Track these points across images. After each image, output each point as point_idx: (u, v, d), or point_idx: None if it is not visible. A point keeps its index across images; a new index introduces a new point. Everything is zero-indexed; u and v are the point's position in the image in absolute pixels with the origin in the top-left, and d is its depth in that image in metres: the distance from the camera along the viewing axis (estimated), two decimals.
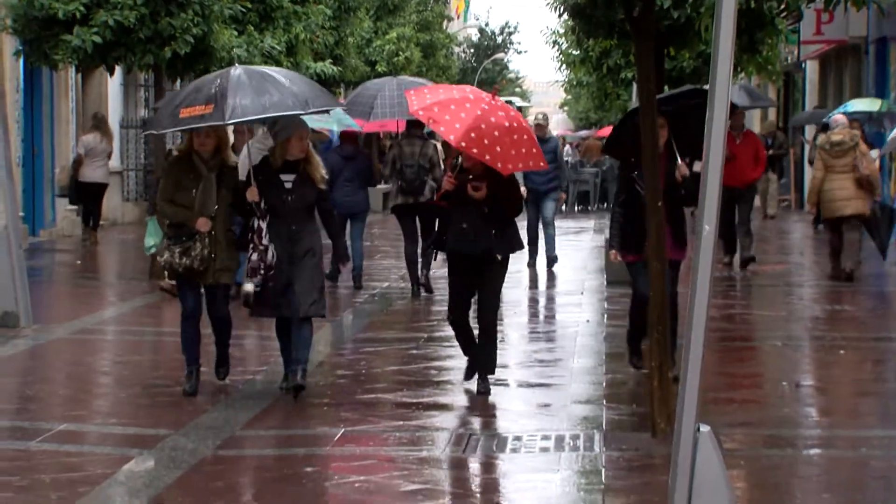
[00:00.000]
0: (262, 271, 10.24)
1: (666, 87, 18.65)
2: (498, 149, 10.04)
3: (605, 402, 10.29)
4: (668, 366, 8.97)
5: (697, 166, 26.88)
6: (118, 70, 22.10)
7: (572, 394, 10.59)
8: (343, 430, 9.34)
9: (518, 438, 9.13)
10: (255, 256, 10.23)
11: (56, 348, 13.21)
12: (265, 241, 10.23)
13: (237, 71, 10.23)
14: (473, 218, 10.36)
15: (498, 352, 10.76)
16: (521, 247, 10.84)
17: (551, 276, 18.98)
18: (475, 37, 75.96)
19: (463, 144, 10.00)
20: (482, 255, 10.43)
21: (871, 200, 17.41)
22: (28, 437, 9.17)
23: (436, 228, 11.05)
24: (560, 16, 13.88)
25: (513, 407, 10.50)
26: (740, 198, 19.18)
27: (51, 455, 8.73)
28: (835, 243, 17.63)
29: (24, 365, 12.30)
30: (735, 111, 18.47)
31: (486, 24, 75.86)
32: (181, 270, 10.40)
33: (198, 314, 10.59)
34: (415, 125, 16.43)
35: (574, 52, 23.22)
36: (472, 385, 10.63)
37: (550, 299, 17.58)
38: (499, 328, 11.17)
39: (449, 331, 13.95)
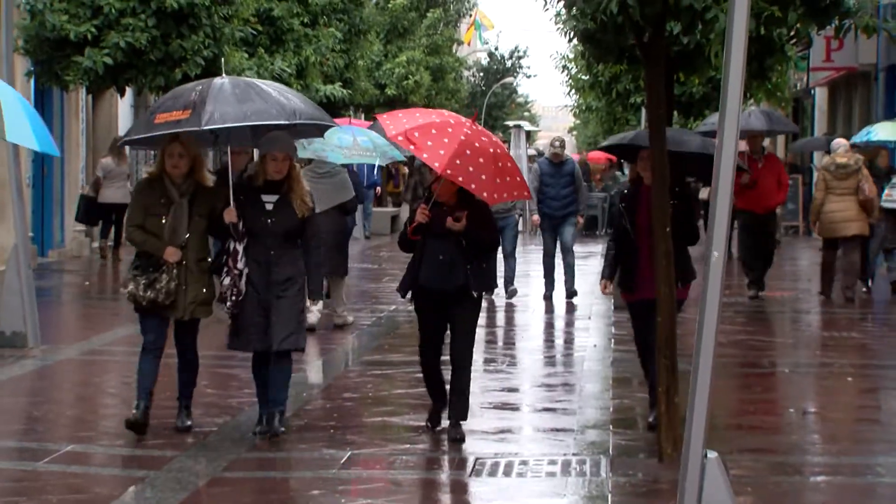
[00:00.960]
0: (232, 297, 9.53)
1: (675, 113, 18.71)
2: (483, 177, 9.36)
3: (611, 427, 10.27)
4: (676, 391, 8.96)
5: (704, 192, 26.76)
6: (129, 91, 22.19)
7: (579, 418, 10.58)
8: (350, 452, 9.34)
9: (525, 463, 9.12)
10: (227, 280, 9.54)
11: (64, 369, 13.22)
12: (240, 266, 9.55)
13: (222, 80, 9.62)
14: (450, 251, 9.64)
15: (501, 377, 10.74)
16: (495, 285, 10.41)
17: (557, 301, 18.96)
18: (485, 60, 76.11)
19: (448, 172, 9.29)
20: (456, 292, 9.68)
21: (875, 221, 18.07)
22: (35, 458, 9.17)
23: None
24: (570, 41, 13.87)
25: (519, 431, 10.49)
26: (763, 224, 18.62)
27: (58, 476, 8.73)
28: (829, 262, 18.23)
29: (31, 385, 12.31)
30: (754, 135, 18.42)
31: (496, 48, 76.03)
32: (145, 304, 9.66)
33: (159, 349, 9.84)
34: None
35: (584, 77, 23.27)
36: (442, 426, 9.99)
37: (558, 324, 17.56)
38: (508, 352, 11.08)
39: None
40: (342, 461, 9.13)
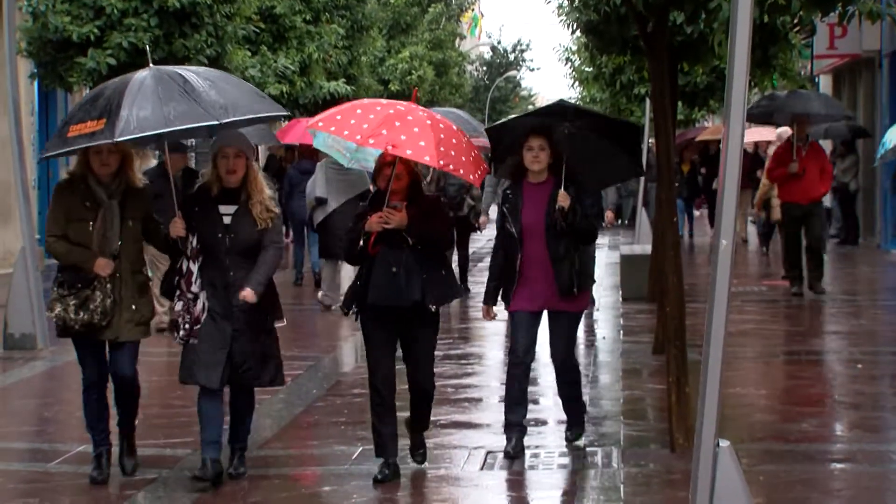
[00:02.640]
0: (186, 325, 8.30)
1: (680, 103, 18.68)
2: (463, 158, 8.32)
3: (622, 418, 10.27)
4: (686, 381, 8.96)
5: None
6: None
7: (590, 410, 10.57)
8: (361, 448, 9.34)
9: (536, 455, 9.12)
10: (179, 306, 8.31)
11: (73, 370, 13.15)
12: (195, 289, 8.29)
13: (143, 74, 8.22)
14: (403, 262, 8.39)
15: (503, 377, 10.67)
16: (458, 293, 8.84)
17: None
18: (487, 55, 76.10)
19: (442, 163, 8.13)
20: (411, 309, 8.46)
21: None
22: (47, 459, 9.18)
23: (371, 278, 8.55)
24: (573, 33, 13.87)
25: (530, 424, 10.49)
26: (807, 216, 17.47)
27: (69, 477, 8.74)
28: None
29: (41, 386, 12.32)
30: (801, 120, 17.43)
31: (499, 42, 76.04)
32: (78, 327, 8.29)
33: (104, 381, 8.61)
34: None
35: (587, 69, 23.28)
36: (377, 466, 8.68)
37: None
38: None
39: (467, 348, 13.97)
40: (353, 457, 9.13)
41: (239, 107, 8.14)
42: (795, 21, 12.37)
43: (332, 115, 8.41)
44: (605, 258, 23.98)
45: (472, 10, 59.89)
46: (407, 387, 8.82)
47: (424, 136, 8.16)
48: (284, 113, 9.02)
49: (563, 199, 8.81)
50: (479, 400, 11.39)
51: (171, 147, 15.52)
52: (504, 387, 9.36)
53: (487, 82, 71.90)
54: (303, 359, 12.98)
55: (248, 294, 8.21)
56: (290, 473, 9.03)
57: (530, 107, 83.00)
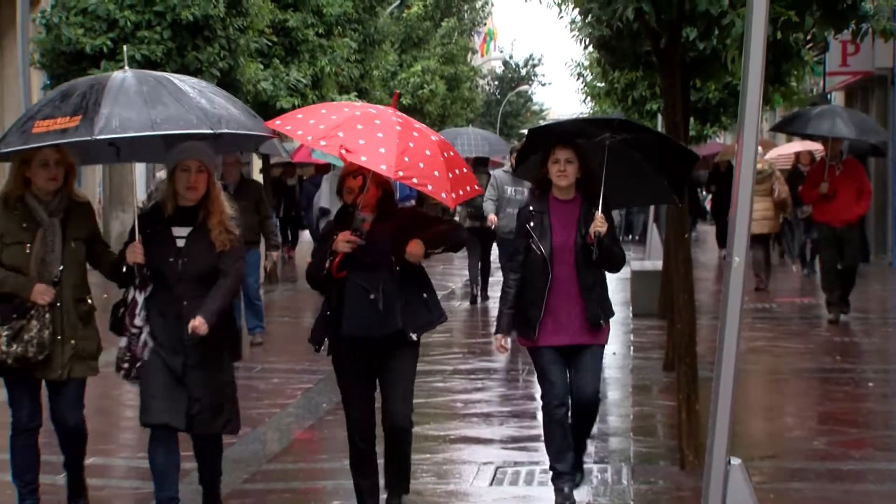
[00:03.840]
0: (125, 364, 7.37)
1: (692, 119, 18.65)
2: (436, 173, 7.23)
3: (632, 434, 10.25)
4: (696, 398, 8.93)
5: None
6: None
7: (600, 426, 10.54)
8: None
9: (546, 471, 9.09)
10: (122, 342, 7.35)
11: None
12: (138, 322, 7.33)
13: (124, 74, 7.29)
14: (382, 286, 7.46)
15: (521, 385, 10.64)
16: (441, 318, 7.77)
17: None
18: (499, 69, 76.15)
19: (401, 174, 7.11)
20: (391, 339, 7.55)
21: (782, 219, 20.47)
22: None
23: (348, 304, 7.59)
24: (585, 48, 13.89)
25: (540, 439, 10.45)
26: (841, 240, 16.69)
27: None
28: (758, 258, 20.08)
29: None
30: (835, 141, 16.86)
31: (511, 57, 76.11)
32: (11, 362, 7.34)
33: (37, 426, 7.69)
34: (480, 161, 20.66)
35: (599, 84, 23.23)
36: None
37: None
38: (528, 359, 8.77)
39: (476, 362, 13.94)
40: None
41: (233, 119, 7.26)
42: (808, 38, 12.35)
43: (293, 114, 7.68)
44: (615, 274, 23.93)
45: (486, 24, 59.92)
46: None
47: (387, 142, 7.15)
48: (271, 135, 7.98)
49: (601, 224, 7.87)
50: (489, 415, 11.37)
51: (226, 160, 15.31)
52: (544, 432, 8.29)
53: (499, 97, 71.95)
54: (312, 372, 12.97)
55: (198, 324, 7.17)
56: (300, 488, 9.02)
57: (541, 121, 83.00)
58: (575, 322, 8.01)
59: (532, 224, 8.04)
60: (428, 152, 7.29)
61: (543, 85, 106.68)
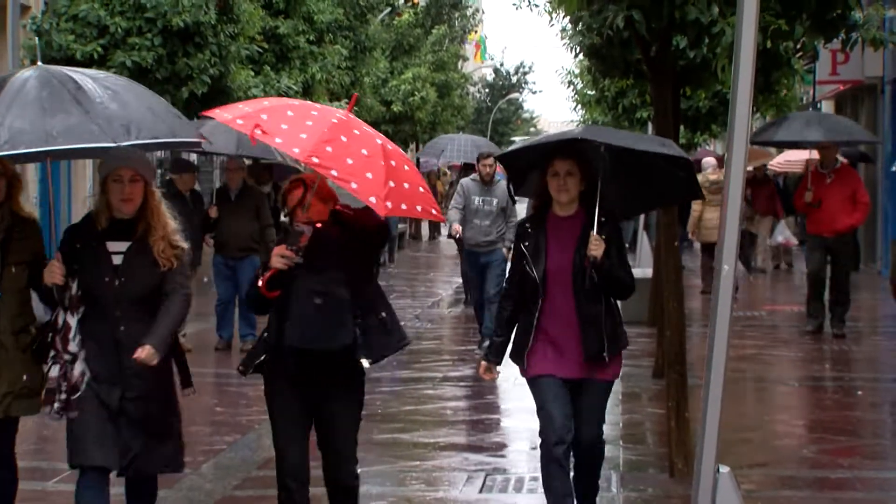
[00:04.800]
0: (62, 395, 6.52)
1: (682, 127, 18.69)
2: (369, 174, 6.28)
3: (621, 442, 10.26)
4: (685, 406, 8.94)
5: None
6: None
7: None
8: (360, 469, 9.31)
9: (535, 479, 9.09)
10: (54, 371, 6.53)
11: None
12: (73, 348, 6.49)
13: (27, 73, 6.46)
14: (330, 290, 6.62)
15: (512, 394, 10.63)
16: (402, 342, 6.90)
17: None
18: (490, 76, 76.22)
19: (315, 160, 6.21)
20: (338, 357, 6.65)
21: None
22: (44, 478, 9.16)
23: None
24: (575, 56, 13.90)
25: (529, 447, 10.47)
26: (833, 251, 16.07)
27: (67, 496, 8.68)
28: (707, 265, 20.92)
29: None
30: (825, 145, 16.35)
31: (501, 64, 76.21)
32: None
33: None
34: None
35: (589, 92, 23.28)
36: None
37: None
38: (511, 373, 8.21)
39: (466, 369, 13.94)
40: None
41: (144, 127, 6.29)
42: (798, 47, 12.39)
43: (236, 105, 6.84)
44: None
45: (477, 31, 59.99)
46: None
47: (314, 130, 6.39)
48: (198, 140, 6.99)
49: (596, 247, 7.03)
50: (478, 422, 11.38)
51: (180, 167, 15.37)
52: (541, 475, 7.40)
53: (490, 104, 72.03)
54: None
55: (146, 353, 6.38)
56: None
57: (532, 129, 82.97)
58: (573, 354, 7.20)
59: (527, 244, 7.22)
60: (365, 152, 6.39)
61: (534, 93, 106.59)
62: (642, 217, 22.65)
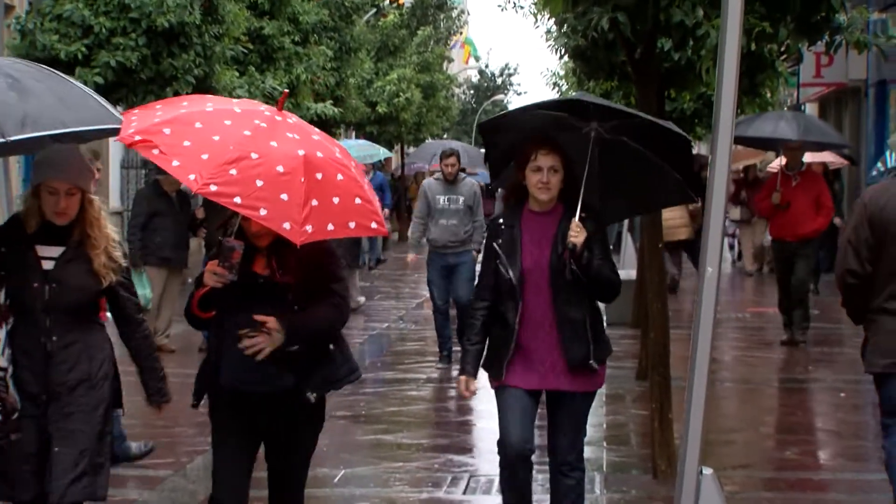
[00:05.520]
0: None
1: None
2: (283, 196, 5.48)
3: (605, 443, 10.27)
4: (669, 407, 8.96)
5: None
6: (119, 111, 22.19)
7: None
8: (343, 471, 9.32)
9: None
10: None
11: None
12: (2, 363, 5.95)
13: None
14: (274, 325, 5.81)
15: (488, 401, 10.55)
16: (353, 375, 6.11)
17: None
18: (475, 78, 76.26)
19: (212, 189, 5.41)
20: (283, 397, 5.95)
21: (696, 228, 20.56)
22: None
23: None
24: (560, 57, 13.91)
25: None
26: (795, 256, 15.53)
27: None
28: (672, 262, 20.86)
29: None
30: (791, 147, 15.97)
31: (487, 66, 76.24)
32: None
33: None
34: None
35: (574, 94, 23.30)
36: None
37: None
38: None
39: (451, 370, 13.92)
40: (336, 479, 9.11)
41: (42, 119, 5.47)
42: (782, 49, 12.41)
43: (152, 105, 6.05)
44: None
45: (463, 32, 60.01)
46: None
47: (219, 147, 5.56)
48: (114, 126, 5.80)
49: (577, 234, 6.47)
50: (462, 423, 11.38)
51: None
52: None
53: (475, 105, 72.05)
54: None
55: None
56: None
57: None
58: (548, 361, 6.60)
59: (500, 241, 6.65)
60: (280, 168, 5.54)
61: (519, 94, 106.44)
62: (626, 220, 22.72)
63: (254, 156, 5.54)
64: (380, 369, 14.40)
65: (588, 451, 9.97)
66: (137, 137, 5.65)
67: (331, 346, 6.03)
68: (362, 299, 19.33)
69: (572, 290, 6.58)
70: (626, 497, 8.62)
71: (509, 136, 6.87)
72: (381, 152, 25.20)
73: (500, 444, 6.72)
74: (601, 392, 12.55)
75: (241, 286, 5.85)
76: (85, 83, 18.01)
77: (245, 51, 23.35)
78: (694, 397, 5.42)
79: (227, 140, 5.57)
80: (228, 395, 6.01)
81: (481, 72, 75.73)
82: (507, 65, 77.49)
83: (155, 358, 6.32)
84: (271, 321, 5.78)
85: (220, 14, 19.44)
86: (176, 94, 18.07)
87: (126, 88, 18.18)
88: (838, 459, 10.10)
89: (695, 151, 37.18)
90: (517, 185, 6.75)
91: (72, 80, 6.08)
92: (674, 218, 20.45)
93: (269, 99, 24.44)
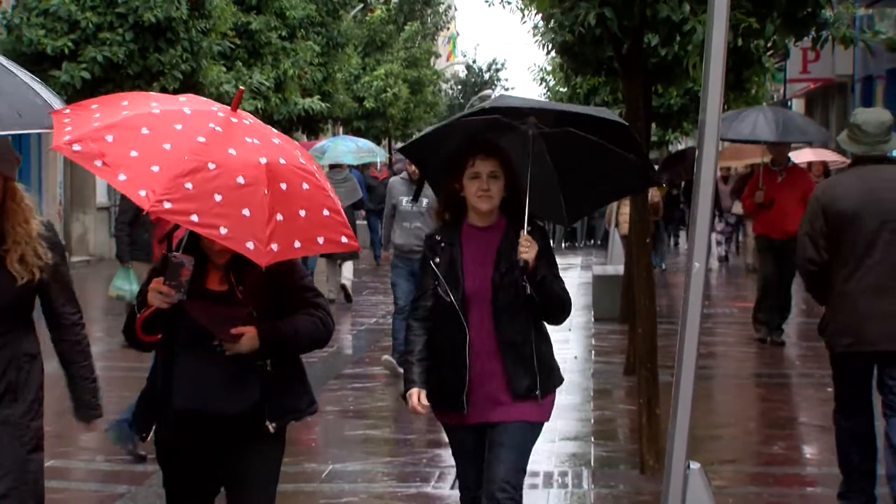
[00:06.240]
0: None
1: (654, 125, 18.74)
2: (245, 212, 4.84)
3: (593, 438, 10.28)
4: (657, 402, 8.97)
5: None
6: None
7: (560, 431, 10.57)
8: (331, 466, 9.32)
9: None
10: None
11: (44, 384, 13.14)
12: None
13: None
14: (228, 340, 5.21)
15: None
16: (311, 406, 5.49)
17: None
18: (462, 73, 76.25)
19: (166, 206, 4.73)
20: (242, 421, 5.30)
21: (654, 221, 22.53)
22: None
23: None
24: (548, 53, 13.92)
25: None
26: (781, 253, 15.02)
27: None
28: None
29: None
30: (777, 144, 15.55)
31: (474, 61, 76.24)
32: None
33: None
34: None
35: (562, 90, 23.31)
36: None
37: None
38: None
39: None
40: (323, 475, 9.11)
41: None
42: (769, 45, 12.43)
43: (88, 103, 5.20)
44: (578, 278, 24.02)
45: (449, 28, 60.02)
46: None
47: (171, 157, 4.85)
48: (44, 131, 5.32)
49: (527, 248, 5.83)
50: None
51: None
52: None
53: (462, 101, 72.06)
54: None
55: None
56: None
57: None
58: (494, 391, 5.93)
59: (438, 261, 5.96)
60: (241, 180, 4.88)
61: (507, 89, 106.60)
62: (615, 214, 22.74)
63: (211, 166, 4.87)
64: (367, 364, 14.39)
65: (576, 447, 10.02)
66: (76, 147, 4.84)
67: (293, 371, 5.45)
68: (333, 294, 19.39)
69: (517, 312, 5.92)
70: (614, 492, 8.64)
71: (441, 152, 6.13)
72: (379, 155, 25.04)
73: (459, 487, 6.28)
74: (589, 387, 12.61)
75: (192, 298, 5.19)
76: (72, 78, 18.00)
77: (232, 46, 23.35)
78: (681, 392, 5.42)
79: (180, 149, 4.88)
80: (180, 423, 5.29)
81: (469, 67, 75.73)
82: (494, 60, 77.45)
83: (87, 367, 5.77)
84: (248, 334, 5.19)
85: (207, 9, 19.43)
86: (163, 89, 18.07)
87: (113, 83, 18.16)
88: (825, 454, 10.12)
89: (682, 147, 37.37)
90: (453, 196, 6.01)
91: (14, 69, 5.54)
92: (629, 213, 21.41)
93: (256, 94, 24.44)
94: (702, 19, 8.76)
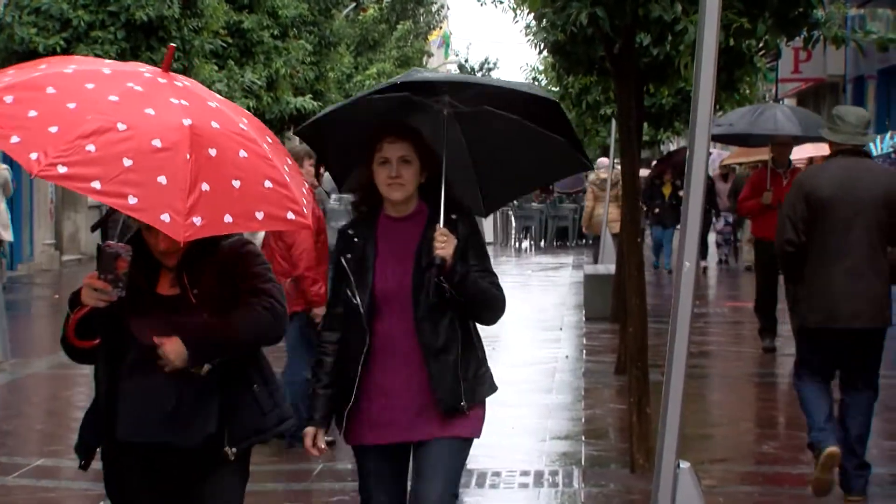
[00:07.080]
0: None
1: (645, 124, 18.75)
2: (161, 179, 4.18)
3: (583, 437, 10.29)
4: (647, 402, 8.98)
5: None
6: None
7: (551, 430, 10.59)
8: (321, 465, 9.31)
9: (497, 474, 9.11)
10: None
11: (34, 383, 13.15)
12: None
13: None
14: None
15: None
16: (286, 423, 4.96)
17: (529, 312, 19.00)
18: (455, 72, 76.24)
19: (61, 170, 4.11)
20: (199, 452, 4.75)
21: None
22: (5, 473, 9.12)
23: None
24: (539, 52, 13.91)
25: (491, 443, 10.47)
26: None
27: (28, 490, 8.68)
28: (598, 253, 22.09)
29: (1, 399, 12.25)
30: (783, 142, 14.89)
31: (466, 60, 76.21)
32: None
33: None
34: None
35: (553, 89, 23.32)
36: None
37: (529, 335, 17.59)
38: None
39: None
40: (314, 474, 9.10)
41: None
42: (761, 45, 12.43)
43: (6, 73, 4.51)
44: (569, 277, 24.03)
45: (442, 28, 60.03)
46: None
47: (72, 117, 4.24)
48: None
49: (443, 244, 5.12)
50: None
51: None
52: None
53: None
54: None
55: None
56: (250, 489, 8.99)
57: None
58: (415, 407, 5.22)
59: (349, 256, 5.27)
60: (158, 143, 4.23)
61: None
62: (606, 212, 22.76)
63: (121, 127, 4.21)
64: None
65: (566, 446, 10.02)
66: (34, 156, 4.14)
67: (255, 387, 4.80)
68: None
69: (441, 314, 5.20)
70: (605, 491, 8.64)
71: (345, 133, 5.48)
72: None
73: None
74: (580, 386, 12.61)
75: (140, 307, 4.59)
76: None
77: (224, 45, 23.32)
78: (671, 391, 5.43)
79: (85, 108, 4.24)
80: (125, 454, 4.76)
81: (461, 66, 75.72)
82: (486, 59, 77.41)
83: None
84: (171, 342, 4.55)
85: (198, 8, 19.42)
86: None
87: None
88: None
89: (673, 147, 37.39)
90: (367, 185, 5.31)
91: None
92: (611, 212, 21.30)
93: (248, 93, 24.43)
94: (693, 19, 8.77)
